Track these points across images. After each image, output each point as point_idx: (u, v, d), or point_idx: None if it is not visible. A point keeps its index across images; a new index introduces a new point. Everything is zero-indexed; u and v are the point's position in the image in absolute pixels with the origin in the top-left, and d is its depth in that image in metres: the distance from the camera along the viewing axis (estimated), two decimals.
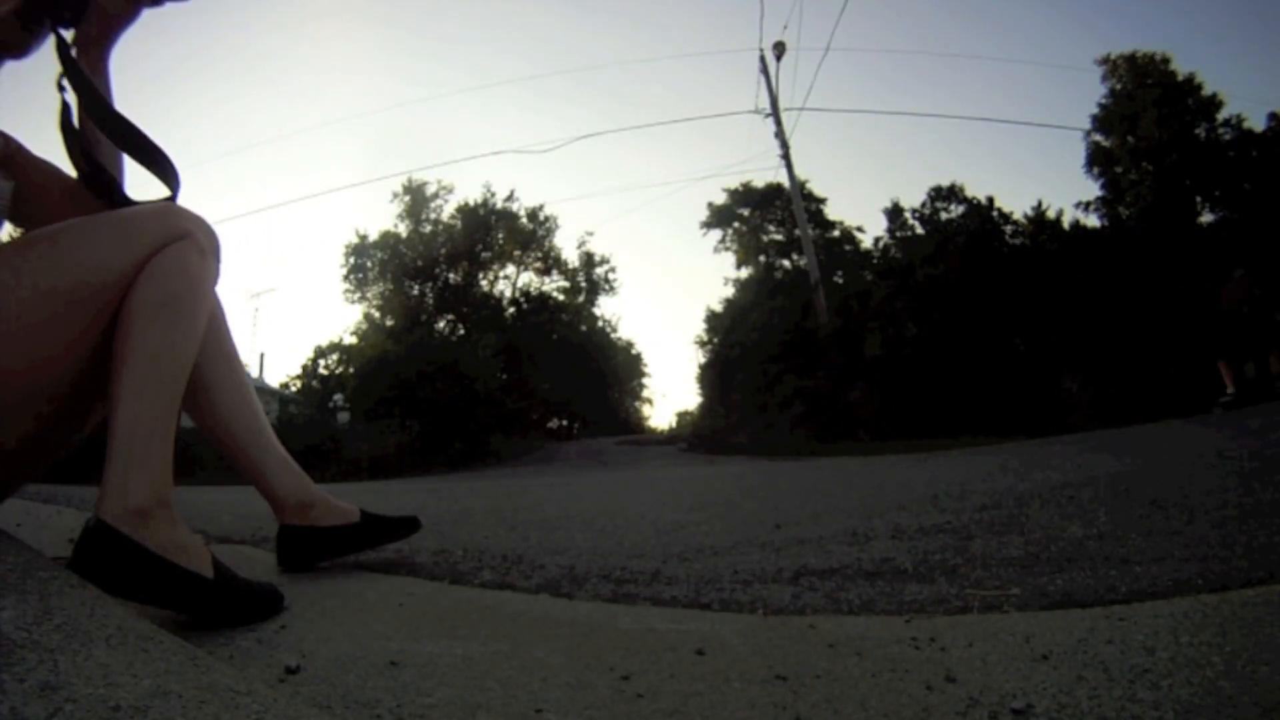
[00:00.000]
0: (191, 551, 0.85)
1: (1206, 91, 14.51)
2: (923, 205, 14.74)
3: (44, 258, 0.81)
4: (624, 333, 27.64)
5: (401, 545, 1.90)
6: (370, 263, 22.15)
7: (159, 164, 0.98)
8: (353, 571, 1.50)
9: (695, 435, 14.03)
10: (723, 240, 20.93)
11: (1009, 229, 13.73)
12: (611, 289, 24.95)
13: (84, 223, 0.85)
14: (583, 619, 1.04)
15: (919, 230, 14.43)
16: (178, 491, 0.92)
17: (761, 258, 19.64)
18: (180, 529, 0.85)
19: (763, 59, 12.77)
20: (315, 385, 20.01)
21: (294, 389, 21.34)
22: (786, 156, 12.87)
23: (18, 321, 0.78)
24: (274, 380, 24.90)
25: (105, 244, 0.85)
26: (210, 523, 2.41)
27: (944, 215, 14.41)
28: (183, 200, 1.00)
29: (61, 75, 0.93)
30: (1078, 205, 15.39)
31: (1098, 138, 15.62)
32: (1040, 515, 1.66)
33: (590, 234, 25.07)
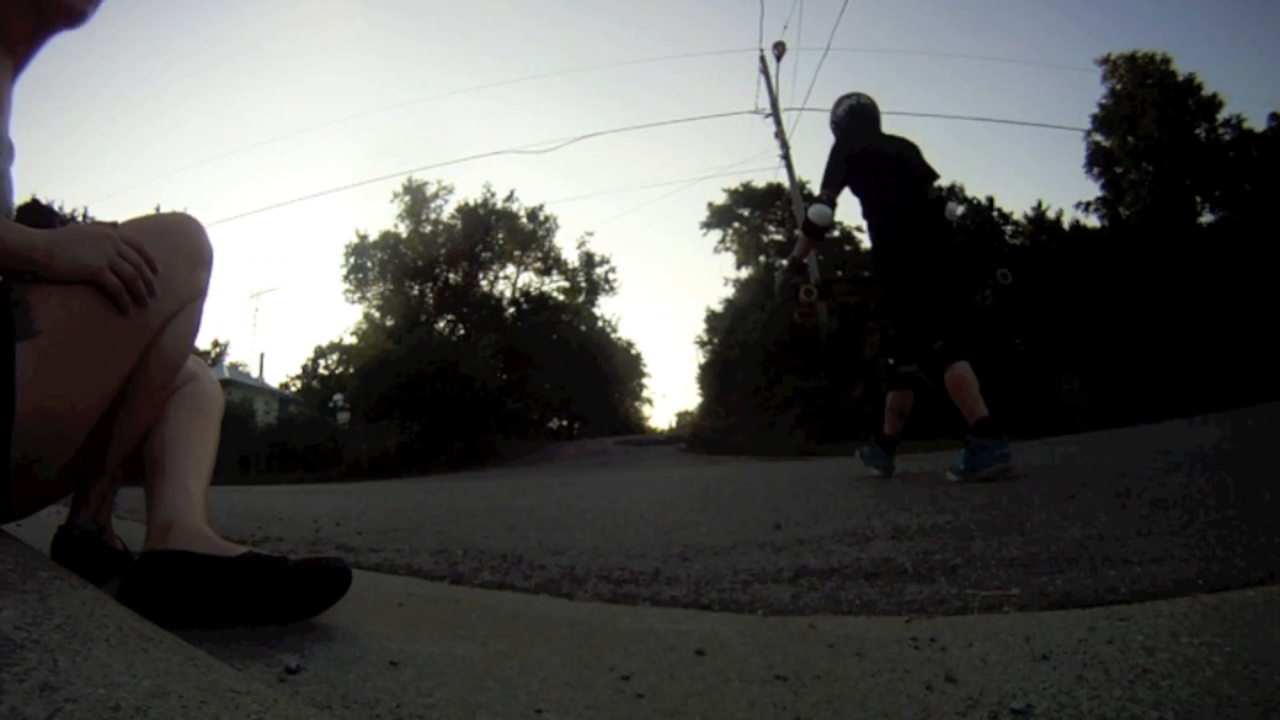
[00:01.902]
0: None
1: (1206, 91, 14.53)
2: None
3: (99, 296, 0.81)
4: (624, 333, 27.64)
5: (401, 545, 1.90)
6: (370, 263, 22.15)
7: None
8: (353, 572, 1.50)
9: (695, 435, 14.03)
10: (723, 240, 20.97)
11: (1009, 229, 13.74)
12: (611, 289, 24.97)
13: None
14: (583, 619, 1.04)
15: None
16: None
17: (761, 258, 19.66)
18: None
19: (763, 59, 12.76)
20: (315, 385, 20.03)
21: (294, 389, 21.36)
22: (786, 156, 12.86)
23: (81, 356, 0.79)
24: (274, 380, 24.94)
25: (174, 278, 0.87)
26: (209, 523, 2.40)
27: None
28: (185, 201, 1.01)
29: None
30: (1078, 205, 15.41)
31: (1098, 138, 15.63)
32: (1040, 515, 1.66)
33: (590, 234, 25.04)
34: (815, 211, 3.04)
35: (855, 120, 3.22)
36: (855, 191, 3.09)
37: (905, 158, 3.09)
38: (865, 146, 3.12)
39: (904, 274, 2.94)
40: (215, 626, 0.80)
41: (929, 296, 2.88)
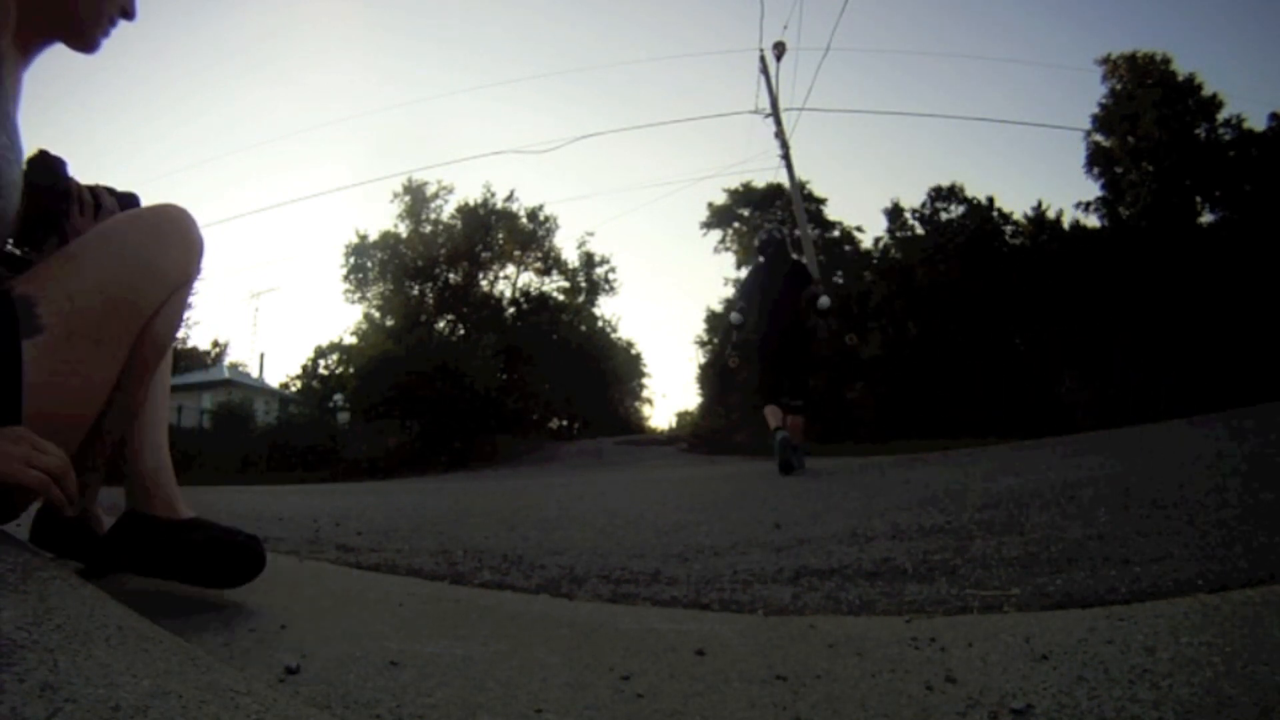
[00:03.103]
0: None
1: (1206, 91, 14.53)
2: (923, 205, 14.76)
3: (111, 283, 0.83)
4: (624, 333, 27.66)
5: (401, 545, 1.90)
6: (370, 263, 22.13)
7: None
8: (353, 571, 1.50)
9: (695, 435, 14.02)
10: (723, 240, 20.96)
11: (1009, 229, 13.75)
12: (611, 289, 24.95)
13: (138, 248, 0.87)
14: (583, 619, 1.04)
15: (919, 230, 14.44)
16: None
17: (761, 258, 19.63)
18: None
19: (763, 59, 12.74)
20: (315, 385, 20.01)
21: (294, 389, 21.35)
22: (786, 156, 12.84)
23: (85, 350, 0.80)
24: (274, 380, 24.93)
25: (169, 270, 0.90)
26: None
27: (944, 215, 14.42)
28: (185, 201, 1.02)
29: None
30: (1078, 205, 15.42)
31: (1098, 138, 15.63)
32: (1040, 515, 1.66)
33: (590, 234, 25.02)
34: (733, 317, 4.94)
35: (760, 250, 5.07)
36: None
37: (788, 275, 4.79)
38: (757, 266, 5.05)
39: (762, 349, 4.72)
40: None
41: (770, 366, 4.67)
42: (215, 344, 25.31)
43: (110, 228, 0.89)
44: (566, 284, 24.26)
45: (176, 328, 0.99)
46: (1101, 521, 1.50)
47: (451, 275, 22.01)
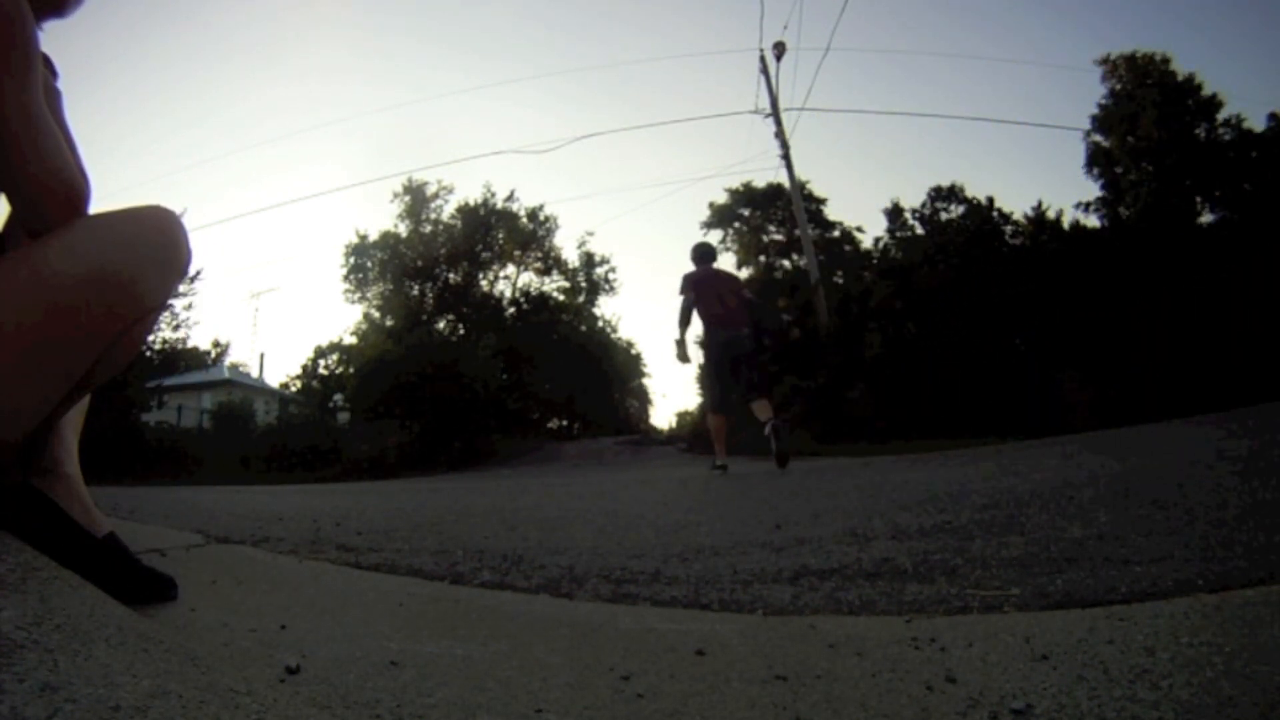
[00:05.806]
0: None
1: (1206, 91, 14.55)
2: (923, 205, 14.80)
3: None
4: (624, 333, 27.75)
5: (401, 545, 1.90)
6: (370, 263, 22.16)
7: None
8: (353, 571, 1.50)
9: (695, 435, 14.02)
10: (723, 240, 20.99)
11: (1009, 229, 13.76)
12: (611, 289, 24.99)
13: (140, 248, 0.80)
14: (583, 619, 1.04)
15: (919, 230, 14.46)
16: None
17: (762, 258, 19.71)
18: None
19: (763, 59, 12.74)
20: (315, 385, 20.02)
21: (294, 389, 21.36)
22: (786, 156, 12.84)
23: (38, 364, 0.74)
24: (274, 380, 24.94)
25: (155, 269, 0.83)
26: (210, 523, 2.40)
27: (944, 215, 14.44)
28: (185, 200, 0.99)
29: None
30: (1078, 205, 15.47)
31: (1098, 138, 15.66)
32: (1040, 515, 1.66)
33: (590, 234, 25.08)
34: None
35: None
36: None
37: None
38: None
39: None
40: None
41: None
42: (215, 344, 25.31)
43: (82, 240, 0.76)
44: (566, 284, 24.30)
45: (136, 352, 0.91)
46: (1101, 521, 1.50)
47: (451, 275, 22.04)
